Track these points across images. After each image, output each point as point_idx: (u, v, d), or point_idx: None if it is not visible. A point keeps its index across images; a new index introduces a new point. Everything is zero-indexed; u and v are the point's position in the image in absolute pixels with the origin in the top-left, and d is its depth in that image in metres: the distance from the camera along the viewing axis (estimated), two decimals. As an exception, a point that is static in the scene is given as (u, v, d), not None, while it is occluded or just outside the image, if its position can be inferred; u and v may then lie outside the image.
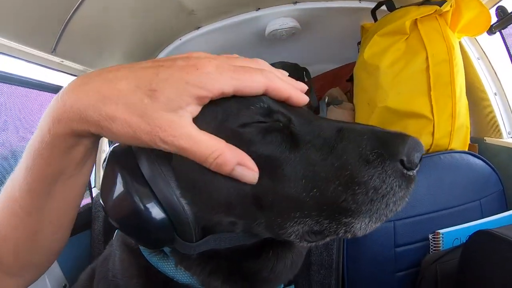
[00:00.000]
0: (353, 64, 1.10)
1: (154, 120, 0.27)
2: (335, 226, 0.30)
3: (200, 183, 0.31)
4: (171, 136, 0.27)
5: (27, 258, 0.39)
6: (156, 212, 0.31)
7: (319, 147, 0.31)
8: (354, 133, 0.30)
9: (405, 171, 0.29)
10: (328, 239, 0.31)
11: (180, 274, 0.38)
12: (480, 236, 0.70)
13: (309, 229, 0.31)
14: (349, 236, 0.30)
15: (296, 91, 0.33)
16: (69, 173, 0.34)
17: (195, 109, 0.28)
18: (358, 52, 1.13)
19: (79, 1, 0.86)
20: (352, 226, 0.29)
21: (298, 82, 0.35)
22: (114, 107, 0.27)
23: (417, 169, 0.30)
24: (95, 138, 0.33)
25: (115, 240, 0.47)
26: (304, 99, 0.34)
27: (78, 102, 0.28)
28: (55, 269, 0.99)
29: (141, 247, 0.40)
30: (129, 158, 0.33)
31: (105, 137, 0.29)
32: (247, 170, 0.29)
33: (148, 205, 0.30)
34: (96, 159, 1.48)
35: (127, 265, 0.41)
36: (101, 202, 0.33)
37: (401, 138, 0.30)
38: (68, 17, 0.89)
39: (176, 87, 0.27)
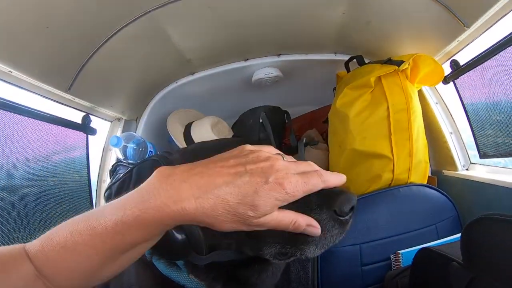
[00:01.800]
0: (329, 107, 1.32)
1: (255, 224, 0.38)
2: (294, 250, 0.42)
3: None
4: (265, 225, 0.39)
5: (80, 284, 0.45)
6: (180, 235, 0.44)
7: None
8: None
9: (336, 217, 0.41)
10: (291, 258, 0.44)
11: (190, 282, 0.49)
12: (423, 253, 0.88)
13: (278, 251, 0.43)
14: (303, 257, 0.42)
15: (339, 181, 0.44)
16: (145, 244, 0.42)
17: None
18: (334, 96, 1.35)
19: (95, 49, 1.08)
20: (305, 251, 0.42)
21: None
22: (224, 217, 0.37)
23: (350, 214, 0.42)
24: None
25: None
26: (342, 181, 0.46)
27: (196, 212, 0.37)
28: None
29: (156, 262, 0.51)
30: None
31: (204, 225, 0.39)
32: (314, 228, 0.41)
33: (175, 231, 0.44)
34: (98, 189, 1.60)
35: (143, 277, 0.52)
36: None
37: (337, 195, 0.41)
38: (85, 61, 1.10)
39: (270, 203, 0.38)
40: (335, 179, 0.44)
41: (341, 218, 0.41)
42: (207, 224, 0.38)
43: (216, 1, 1.06)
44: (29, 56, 1.00)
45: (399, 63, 1.15)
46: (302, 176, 0.41)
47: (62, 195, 1.16)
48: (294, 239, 0.42)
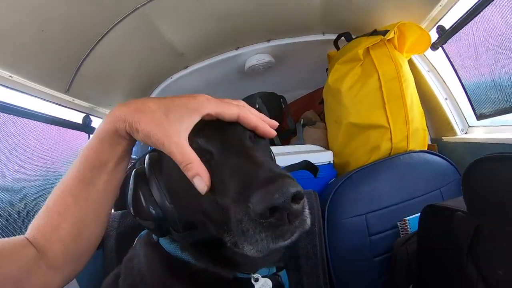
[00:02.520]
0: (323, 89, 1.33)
1: (165, 129, 0.41)
2: (239, 243, 0.38)
3: (177, 195, 0.46)
4: (170, 143, 0.40)
5: (72, 248, 0.48)
6: (157, 212, 0.46)
7: (218, 183, 0.40)
8: (239, 175, 0.38)
9: (252, 216, 0.34)
10: (244, 251, 0.38)
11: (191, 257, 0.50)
12: (427, 210, 0.88)
13: (234, 241, 0.39)
14: (246, 253, 0.37)
15: (263, 124, 0.47)
16: (110, 167, 0.47)
17: (190, 125, 0.42)
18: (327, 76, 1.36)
19: (90, 49, 1.10)
20: (243, 247, 0.37)
21: (270, 120, 0.49)
22: (143, 116, 0.42)
23: (278, 216, 0.34)
24: (129, 143, 0.47)
25: (137, 243, 0.60)
26: (270, 132, 0.48)
27: (122, 111, 0.43)
28: (73, 285, 1.12)
29: (161, 241, 0.53)
30: (143, 179, 0.48)
31: (133, 135, 0.43)
32: (202, 182, 0.39)
33: (154, 208, 0.46)
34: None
35: (151, 257, 0.53)
36: (131, 209, 0.48)
37: (258, 186, 0.34)
38: (81, 62, 1.12)
39: (181, 110, 0.42)
40: (259, 121, 0.46)
41: (262, 220, 0.34)
42: (129, 125, 0.42)
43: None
44: (27, 60, 1.03)
45: (385, 32, 1.17)
46: (220, 100, 0.46)
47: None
48: (239, 231, 0.37)
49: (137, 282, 0.52)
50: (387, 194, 1.09)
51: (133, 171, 0.50)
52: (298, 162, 0.66)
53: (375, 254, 1.08)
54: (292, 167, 0.68)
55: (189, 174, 0.40)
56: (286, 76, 1.69)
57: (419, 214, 1.08)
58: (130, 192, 0.49)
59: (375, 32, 1.20)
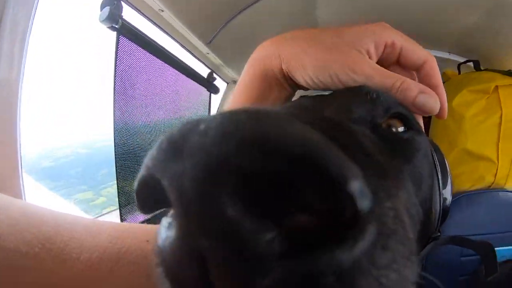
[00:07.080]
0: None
1: (343, 51, 0.31)
2: None
3: None
4: (360, 65, 0.30)
5: None
6: None
7: None
8: None
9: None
10: None
11: None
12: None
13: None
14: None
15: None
16: None
17: (373, 54, 0.32)
18: (441, 95, 1.49)
19: (248, 5, 1.11)
20: None
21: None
22: (304, 43, 0.33)
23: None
24: (286, 94, 0.38)
25: None
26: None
27: (272, 45, 0.38)
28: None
29: None
30: None
31: (293, 74, 0.34)
32: (430, 96, 0.31)
33: None
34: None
35: None
36: None
37: None
38: (234, 15, 1.13)
39: (360, 33, 0.32)
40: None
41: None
42: (288, 61, 0.35)
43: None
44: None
45: (521, 75, 1.31)
46: None
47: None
48: None
49: None
50: (484, 222, 1.27)
51: None
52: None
53: (461, 274, 1.26)
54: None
55: (410, 94, 0.30)
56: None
57: (504, 248, 1.29)
58: None
59: (510, 73, 1.33)
